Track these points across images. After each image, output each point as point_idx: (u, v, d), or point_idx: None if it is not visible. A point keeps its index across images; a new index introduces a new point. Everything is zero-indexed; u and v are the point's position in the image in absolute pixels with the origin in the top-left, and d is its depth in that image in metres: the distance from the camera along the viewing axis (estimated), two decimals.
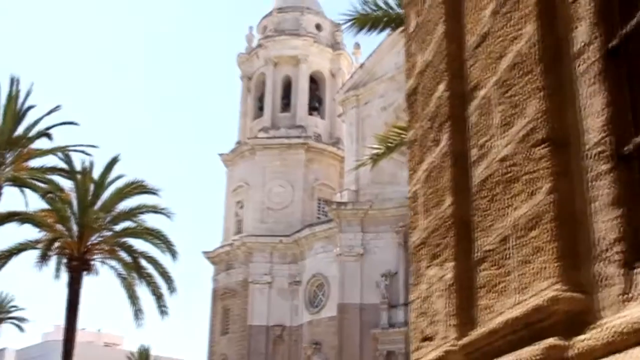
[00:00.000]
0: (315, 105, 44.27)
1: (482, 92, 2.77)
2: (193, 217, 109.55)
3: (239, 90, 46.31)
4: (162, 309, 23.79)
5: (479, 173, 2.74)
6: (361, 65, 38.48)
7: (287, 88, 43.53)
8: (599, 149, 1.96)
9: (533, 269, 2.25)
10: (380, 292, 32.98)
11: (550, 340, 1.99)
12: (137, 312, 23.81)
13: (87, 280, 23.93)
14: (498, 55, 2.62)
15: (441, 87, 3.19)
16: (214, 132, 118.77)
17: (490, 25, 2.71)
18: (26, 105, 26.01)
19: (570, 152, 2.21)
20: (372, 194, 34.87)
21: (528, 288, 2.27)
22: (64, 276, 23.50)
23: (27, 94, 26.10)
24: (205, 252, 42.41)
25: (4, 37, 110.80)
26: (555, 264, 2.11)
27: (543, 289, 2.14)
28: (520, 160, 2.39)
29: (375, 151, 11.29)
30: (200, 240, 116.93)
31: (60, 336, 26.97)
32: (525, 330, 2.18)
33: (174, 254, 24.03)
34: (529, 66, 2.37)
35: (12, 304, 47.85)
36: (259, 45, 44.44)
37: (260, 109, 44.09)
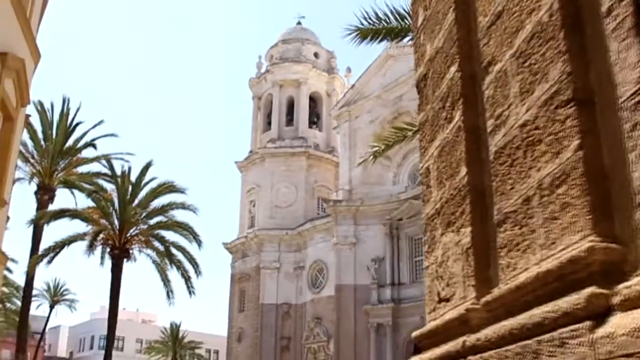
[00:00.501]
0: (314, 120, 43.96)
1: (497, 67, 2.44)
2: (214, 214, 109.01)
3: (250, 109, 46.00)
4: (190, 290, 23.41)
5: (496, 141, 2.41)
6: (352, 86, 38.16)
7: (291, 106, 43.21)
8: (635, 100, 1.63)
9: (561, 224, 1.92)
10: (371, 275, 32.56)
11: (592, 289, 1.65)
12: (169, 293, 23.42)
13: (126, 267, 23.57)
14: (514, 29, 2.29)
15: (452, 69, 2.86)
16: (231, 143, 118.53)
17: (505, 3, 2.39)
18: (76, 120, 25.78)
19: (596, 109, 1.89)
20: (363, 193, 34.50)
21: (556, 243, 1.94)
22: (108, 263, 23.16)
23: (77, 111, 25.87)
24: (224, 243, 42.01)
25: (57, 61, 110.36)
26: (588, 217, 1.78)
27: (576, 242, 1.81)
28: (542, 123, 2.06)
29: (375, 149, 10.90)
30: (220, 233, 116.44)
31: (105, 315, 26.51)
32: (557, 282, 1.84)
33: (199, 243, 23.67)
34: (550, 33, 2.04)
35: (64, 287, 47.36)
36: (267, 71, 44.13)
37: (268, 123, 43.76)
